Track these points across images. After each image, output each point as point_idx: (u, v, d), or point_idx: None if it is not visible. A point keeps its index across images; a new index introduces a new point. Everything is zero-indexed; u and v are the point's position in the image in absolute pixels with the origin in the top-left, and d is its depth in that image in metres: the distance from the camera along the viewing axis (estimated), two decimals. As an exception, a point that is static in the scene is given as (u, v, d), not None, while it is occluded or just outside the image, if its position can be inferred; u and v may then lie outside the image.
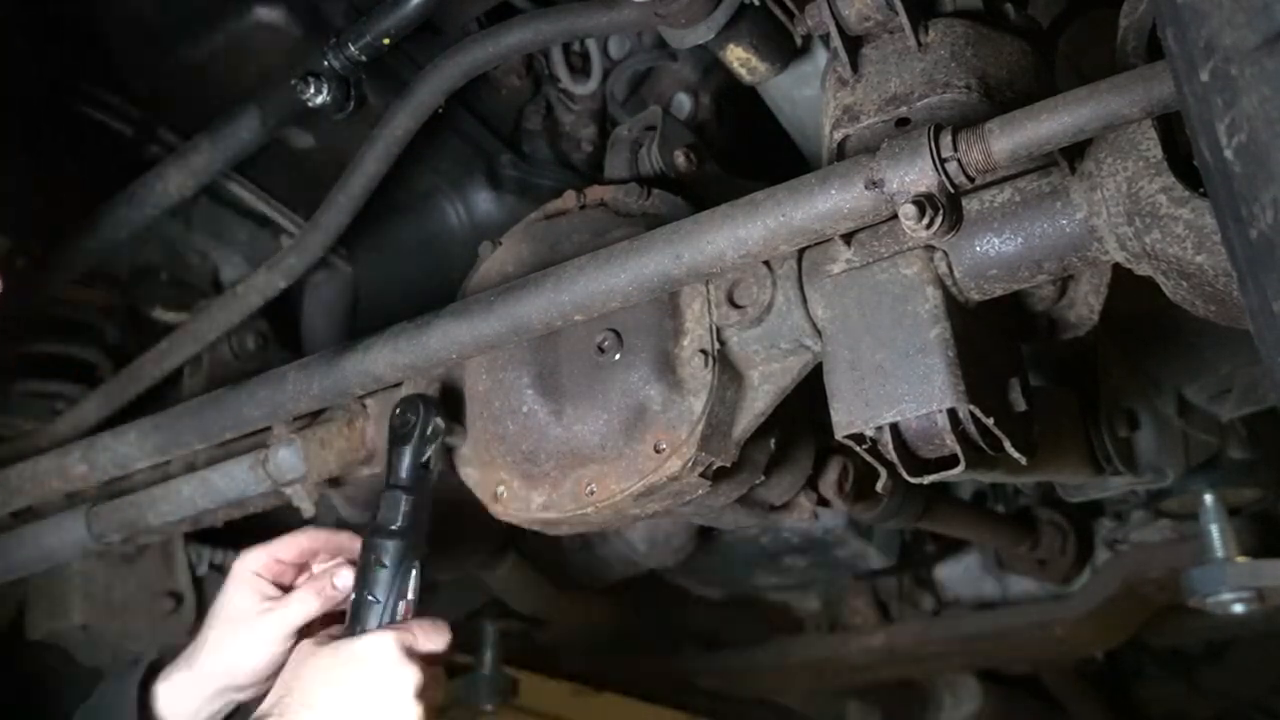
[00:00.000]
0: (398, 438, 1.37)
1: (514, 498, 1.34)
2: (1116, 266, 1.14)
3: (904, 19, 1.16)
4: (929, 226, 0.99)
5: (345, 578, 1.39)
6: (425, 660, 1.27)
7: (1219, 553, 2.29)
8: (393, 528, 1.33)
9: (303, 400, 1.47)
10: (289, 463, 1.59)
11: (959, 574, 3.08)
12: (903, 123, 1.17)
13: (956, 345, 1.08)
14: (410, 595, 1.32)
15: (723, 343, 1.23)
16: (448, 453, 1.42)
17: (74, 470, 1.72)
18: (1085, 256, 1.10)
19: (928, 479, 1.13)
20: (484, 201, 1.94)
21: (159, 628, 2.02)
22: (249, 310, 1.83)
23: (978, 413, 1.07)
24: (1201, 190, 0.99)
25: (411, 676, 1.24)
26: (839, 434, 1.13)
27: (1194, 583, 2.30)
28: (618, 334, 1.29)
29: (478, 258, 1.50)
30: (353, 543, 1.41)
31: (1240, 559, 2.27)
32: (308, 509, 1.60)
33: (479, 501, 1.39)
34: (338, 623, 1.37)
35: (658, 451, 1.23)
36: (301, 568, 1.47)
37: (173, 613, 2.04)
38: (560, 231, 1.44)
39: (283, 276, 1.78)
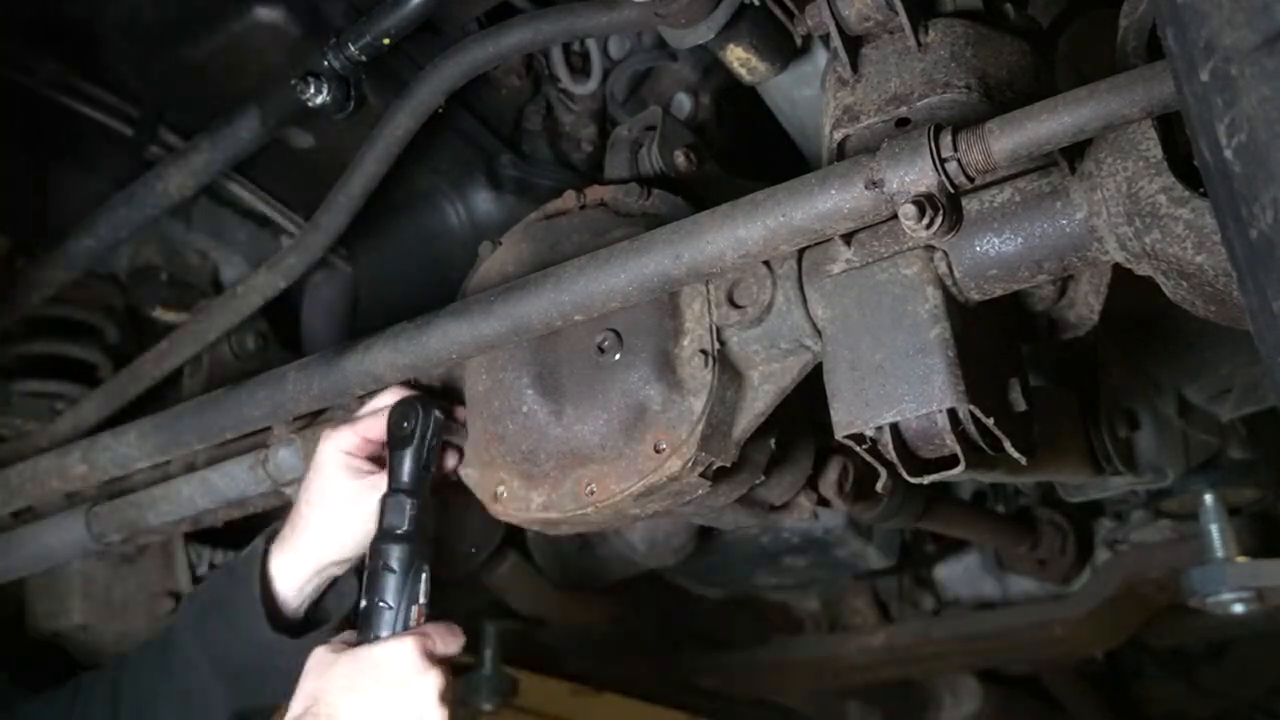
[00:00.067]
0: (397, 441, 1.37)
1: (514, 498, 1.34)
2: (1116, 266, 1.14)
3: (904, 19, 1.16)
4: (929, 226, 0.99)
5: None
6: (444, 663, 1.28)
7: (1219, 553, 2.29)
8: (399, 532, 1.32)
9: (303, 400, 1.47)
10: (289, 463, 1.59)
11: (959, 574, 3.08)
12: (903, 123, 1.17)
13: (956, 345, 1.08)
14: (421, 599, 1.31)
15: (723, 343, 1.23)
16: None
17: (74, 470, 1.72)
18: (1085, 256, 1.10)
19: (928, 479, 1.13)
20: (484, 201, 1.94)
21: (159, 628, 2.02)
22: (249, 310, 1.83)
23: (978, 413, 1.07)
24: (1201, 190, 0.99)
25: (435, 681, 1.25)
26: (839, 434, 1.13)
27: (1194, 583, 2.30)
28: (618, 334, 1.29)
29: (478, 258, 1.50)
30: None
31: (1240, 559, 2.28)
32: (308, 509, 1.60)
33: (479, 501, 1.39)
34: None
35: (658, 451, 1.23)
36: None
37: (172, 613, 2.03)
38: (560, 231, 1.44)
39: (283, 276, 1.78)
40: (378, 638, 1.28)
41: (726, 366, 1.23)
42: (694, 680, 3.42)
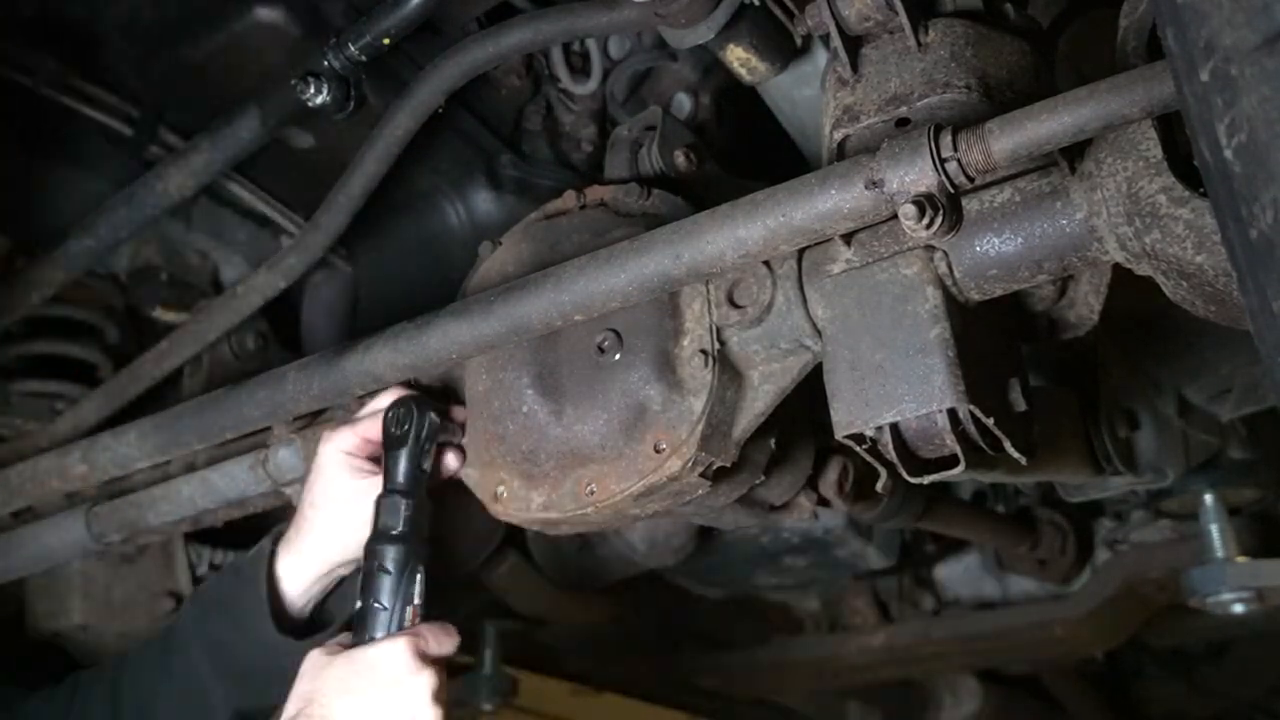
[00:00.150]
0: (393, 442, 1.37)
1: (514, 498, 1.34)
2: (1116, 266, 1.14)
3: (904, 19, 1.16)
4: (929, 226, 0.99)
5: None
6: (437, 664, 1.28)
7: (1219, 553, 2.29)
8: (394, 533, 1.32)
9: (303, 400, 1.47)
10: (289, 463, 1.59)
11: (959, 574, 3.08)
12: (903, 123, 1.17)
13: (956, 345, 1.08)
14: (417, 600, 1.31)
15: (723, 343, 1.23)
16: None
17: (74, 470, 1.72)
18: (1085, 256, 1.10)
19: (928, 479, 1.13)
20: (484, 201, 1.94)
21: (159, 628, 2.02)
22: (249, 310, 1.83)
23: (978, 413, 1.07)
24: (1201, 190, 0.99)
25: (428, 681, 1.25)
26: (839, 434, 1.13)
27: (1194, 583, 2.30)
28: (618, 334, 1.29)
29: (478, 258, 1.50)
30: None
31: (1240, 559, 2.28)
32: (308, 509, 1.60)
33: (478, 501, 1.39)
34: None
35: (658, 451, 1.23)
36: None
37: (173, 613, 2.03)
38: (560, 231, 1.44)
39: (283, 276, 1.78)
40: (372, 639, 1.28)
41: (726, 366, 1.23)
42: (694, 680, 3.42)
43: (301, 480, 1.56)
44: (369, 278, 2.13)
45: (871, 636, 3.07)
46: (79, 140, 1.83)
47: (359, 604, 1.31)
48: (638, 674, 3.47)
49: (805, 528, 2.48)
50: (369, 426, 1.43)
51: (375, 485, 1.38)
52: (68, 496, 1.84)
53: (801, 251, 1.20)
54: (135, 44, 1.70)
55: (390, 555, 1.31)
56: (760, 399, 1.25)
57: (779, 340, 1.22)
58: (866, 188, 1.02)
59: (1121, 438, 1.98)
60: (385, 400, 1.43)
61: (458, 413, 1.43)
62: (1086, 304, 1.24)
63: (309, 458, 1.54)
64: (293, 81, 1.51)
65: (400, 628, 1.29)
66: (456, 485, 1.42)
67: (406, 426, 1.36)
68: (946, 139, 0.99)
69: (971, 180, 1.00)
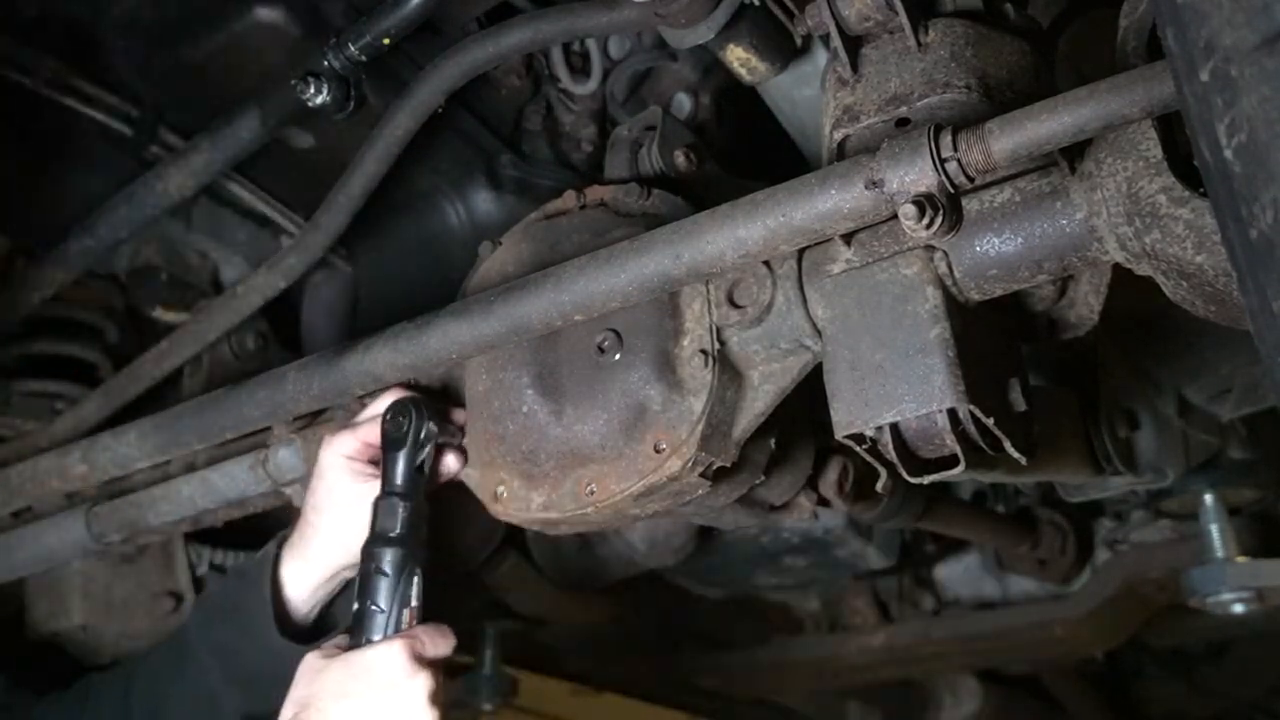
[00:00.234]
0: (391, 443, 1.36)
1: (514, 498, 1.34)
2: (1116, 266, 1.14)
3: (904, 19, 1.16)
4: (929, 226, 0.99)
5: None
6: (434, 666, 1.28)
7: (1219, 553, 2.29)
8: (391, 535, 1.32)
9: (303, 400, 1.47)
10: (289, 463, 1.59)
11: (959, 574, 3.08)
12: (903, 123, 1.17)
13: (956, 345, 1.08)
14: (414, 602, 1.31)
15: (723, 343, 1.23)
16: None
17: (74, 470, 1.72)
18: (1085, 256, 1.10)
19: (928, 479, 1.13)
20: (484, 201, 1.94)
21: (159, 628, 2.02)
22: (249, 310, 1.83)
23: (978, 413, 1.07)
24: (1201, 190, 0.99)
25: (424, 684, 1.25)
26: (839, 434, 1.13)
27: (1194, 583, 2.30)
28: (618, 334, 1.29)
29: (478, 258, 1.50)
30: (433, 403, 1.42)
31: (1240, 559, 2.28)
32: (308, 509, 1.60)
33: (478, 501, 1.39)
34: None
35: (658, 451, 1.23)
36: None
37: (173, 613, 2.04)
38: (560, 231, 1.44)
39: (283, 276, 1.78)
40: (369, 641, 1.28)
41: (726, 366, 1.23)
42: (694, 680, 3.42)
43: (302, 480, 1.57)
44: (369, 278, 2.12)
45: (871, 636, 3.07)
46: (79, 140, 1.83)
47: (355, 606, 1.31)
48: (638, 674, 3.47)
49: (805, 528, 2.48)
50: (369, 430, 1.42)
51: (377, 488, 1.38)
52: (68, 496, 1.84)
53: (801, 251, 1.20)
54: (135, 44, 1.70)
55: (387, 558, 1.30)
56: (760, 399, 1.25)
57: (779, 340, 1.22)
58: (866, 188, 1.02)
59: (1121, 438, 1.98)
60: (385, 403, 1.43)
61: (457, 415, 1.43)
62: (1086, 304, 1.24)
63: (309, 458, 1.54)
64: (293, 81, 1.51)
65: (397, 630, 1.28)
66: (457, 485, 1.42)
67: (405, 429, 1.35)
68: (946, 139, 0.99)
69: (971, 180, 1.00)
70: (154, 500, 1.71)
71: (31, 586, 2.03)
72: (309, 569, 1.45)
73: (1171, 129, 1.03)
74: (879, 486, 1.21)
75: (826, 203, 1.05)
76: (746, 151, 1.90)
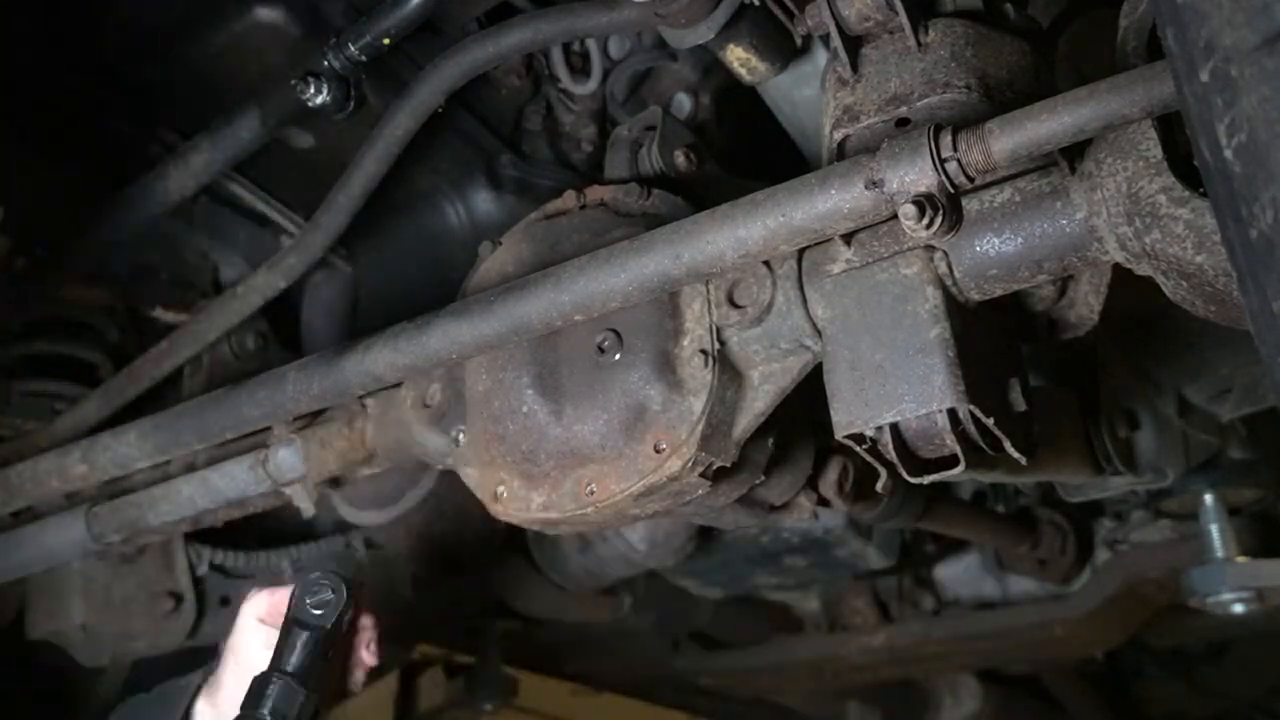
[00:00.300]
0: (300, 620, 1.24)
1: (514, 498, 1.34)
2: (1116, 266, 1.14)
3: (904, 19, 1.16)
4: (929, 226, 0.99)
5: None
6: None
7: (1219, 553, 2.29)
8: None
9: (303, 400, 1.47)
10: (289, 463, 1.59)
11: (959, 574, 3.08)
12: (903, 123, 1.17)
13: (956, 345, 1.08)
14: None
15: (723, 343, 1.23)
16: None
17: (74, 470, 1.72)
18: (1085, 256, 1.10)
19: (928, 479, 1.13)
20: (484, 201, 1.95)
21: (159, 628, 2.02)
22: (249, 310, 1.83)
23: (978, 413, 1.07)
24: (1201, 190, 0.99)
25: None
26: (839, 434, 1.13)
27: (1194, 583, 2.30)
28: (618, 334, 1.29)
29: (478, 258, 1.50)
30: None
31: (1240, 559, 2.28)
32: (308, 509, 1.61)
33: (479, 501, 1.39)
34: None
35: (658, 451, 1.23)
36: None
37: (173, 613, 2.04)
38: (560, 231, 1.44)
39: (283, 276, 1.78)
40: None
41: (726, 366, 1.23)
42: (694, 680, 3.42)
43: (302, 480, 1.57)
44: (369, 278, 2.13)
45: (871, 636, 3.07)
46: (80, 140, 1.83)
47: None
48: (638, 674, 3.47)
49: (805, 528, 2.48)
50: (285, 595, 1.40)
51: None
52: (68, 496, 1.83)
53: (801, 251, 1.20)
54: (135, 44, 1.70)
55: None
56: (760, 399, 1.25)
57: (779, 340, 1.22)
58: (866, 188, 1.02)
59: (1121, 438, 1.98)
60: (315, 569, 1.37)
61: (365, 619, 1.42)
62: (1086, 304, 1.24)
63: (309, 458, 1.55)
64: (293, 81, 1.51)
65: None
66: (456, 485, 1.42)
67: (327, 611, 1.25)
68: (946, 139, 0.99)
69: (971, 180, 1.00)
70: (154, 500, 1.71)
71: (31, 586, 2.03)
72: (216, 715, 1.45)
73: (1171, 129, 1.03)
74: (879, 486, 1.21)
75: (826, 203, 1.05)
76: (746, 151, 1.90)
